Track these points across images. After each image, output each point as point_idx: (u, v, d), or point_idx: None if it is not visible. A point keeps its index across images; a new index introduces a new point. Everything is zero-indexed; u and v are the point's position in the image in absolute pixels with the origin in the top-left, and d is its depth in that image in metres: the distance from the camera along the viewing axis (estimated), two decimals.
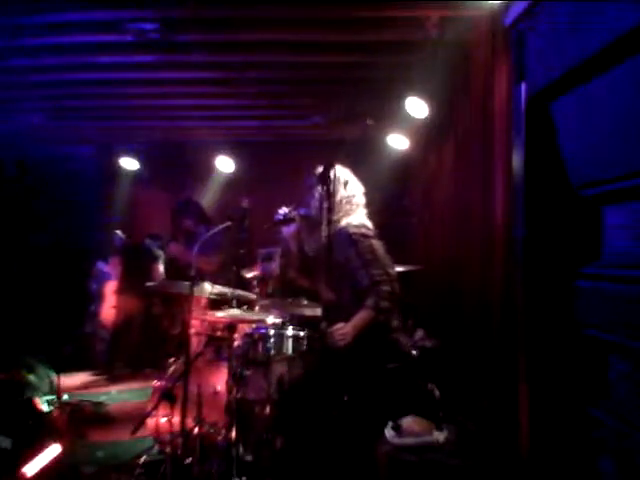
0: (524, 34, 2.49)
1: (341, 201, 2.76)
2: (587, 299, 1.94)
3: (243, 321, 3.01)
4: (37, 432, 2.88)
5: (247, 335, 2.82)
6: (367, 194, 2.95)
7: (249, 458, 2.66)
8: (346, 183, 2.81)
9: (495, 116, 2.96)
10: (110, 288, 5.66)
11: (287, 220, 2.88)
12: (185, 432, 2.63)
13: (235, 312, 2.89)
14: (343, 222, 2.75)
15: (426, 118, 3.87)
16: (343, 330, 2.52)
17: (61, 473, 2.72)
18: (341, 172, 2.80)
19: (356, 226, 2.74)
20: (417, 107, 3.79)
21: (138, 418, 2.68)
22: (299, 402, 2.63)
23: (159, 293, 5.07)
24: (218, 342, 3.00)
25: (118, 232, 5.48)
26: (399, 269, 3.81)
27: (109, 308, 5.62)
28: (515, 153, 2.60)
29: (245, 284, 3.99)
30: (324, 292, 2.76)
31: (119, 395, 4.57)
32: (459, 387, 3.22)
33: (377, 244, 2.74)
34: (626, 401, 1.73)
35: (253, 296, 3.39)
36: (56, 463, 2.70)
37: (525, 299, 2.49)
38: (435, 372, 3.21)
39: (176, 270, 4.29)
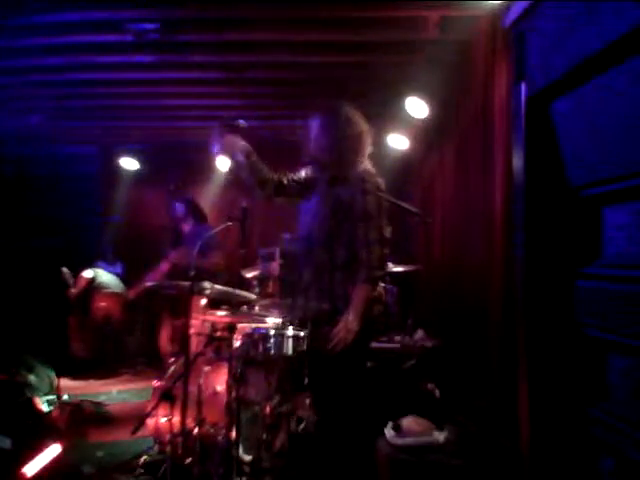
0: (524, 34, 2.49)
1: (356, 139, 2.58)
2: (587, 299, 1.94)
3: (243, 321, 3.01)
4: (37, 432, 2.87)
5: (247, 335, 2.82)
6: None
7: (249, 458, 2.66)
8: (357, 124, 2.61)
9: (495, 116, 2.97)
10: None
11: (234, 128, 2.69)
12: (185, 432, 2.63)
13: (235, 312, 2.89)
14: (360, 166, 2.58)
15: (426, 118, 3.87)
16: (348, 325, 2.37)
17: (61, 473, 2.72)
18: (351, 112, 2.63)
19: (373, 175, 2.59)
20: (417, 107, 3.79)
21: (138, 418, 2.67)
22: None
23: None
24: (218, 342, 2.99)
25: (65, 270, 5.48)
26: (399, 269, 3.84)
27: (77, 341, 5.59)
28: (515, 153, 2.59)
29: (245, 284, 4.00)
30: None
31: (119, 395, 4.57)
32: (459, 387, 3.22)
33: (384, 202, 2.60)
34: (626, 401, 1.73)
35: (253, 296, 3.39)
36: (56, 463, 2.70)
37: (525, 299, 2.49)
38: (435, 372, 3.21)
39: (178, 275, 4.29)
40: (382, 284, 2.73)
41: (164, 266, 4.60)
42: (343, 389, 2.42)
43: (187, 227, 4.67)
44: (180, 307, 4.08)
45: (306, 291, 2.65)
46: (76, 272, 5.56)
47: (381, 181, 2.60)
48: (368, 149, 2.63)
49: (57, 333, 5.18)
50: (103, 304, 5.59)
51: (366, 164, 2.64)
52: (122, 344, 5.63)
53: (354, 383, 2.46)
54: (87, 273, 5.60)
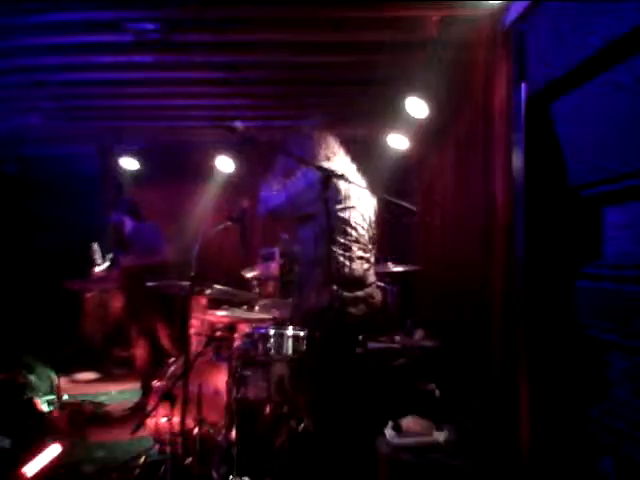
0: (524, 34, 2.49)
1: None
2: (587, 299, 1.94)
3: (243, 321, 3.01)
4: (37, 432, 2.88)
5: (247, 335, 2.82)
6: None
7: (249, 458, 2.66)
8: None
9: (495, 116, 2.96)
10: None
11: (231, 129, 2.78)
12: (185, 432, 2.63)
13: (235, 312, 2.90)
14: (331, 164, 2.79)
15: (426, 118, 3.87)
16: None
17: (61, 473, 2.72)
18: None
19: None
20: (417, 107, 3.79)
21: (138, 418, 2.67)
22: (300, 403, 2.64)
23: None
24: (218, 342, 3.00)
25: (95, 247, 5.42)
26: (399, 269, 3.84)
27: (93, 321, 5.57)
28: (515, 153, 2.60)
29: (245, 284, 4.00)
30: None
31: (119, 395, 4.57)
32: (459, 387, 3.22)
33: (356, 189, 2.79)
34: (626, 401, 1.73)
35: (253, 296, 3.39)
36: (56, 463, 2.70)
37: (525, 299, 2.49)
38: (435, 372, 3.21)
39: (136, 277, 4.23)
40: (379, 283, 2.78)
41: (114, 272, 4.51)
42: (334, 387, 2.44)
43: (127, 228, 4.61)
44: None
45: (303, 289, 2.72)
46: (76, 271, 5.54)
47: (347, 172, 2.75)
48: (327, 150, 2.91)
49: (57, 333, 5.17)
50: (119, 305, 5.56)
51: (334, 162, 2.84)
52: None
53: (343, 380, 2.48)
54: (101, 267, 5.53)
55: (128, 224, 4.46)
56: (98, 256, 5.41)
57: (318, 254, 2.65)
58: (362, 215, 2.85)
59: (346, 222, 2.75)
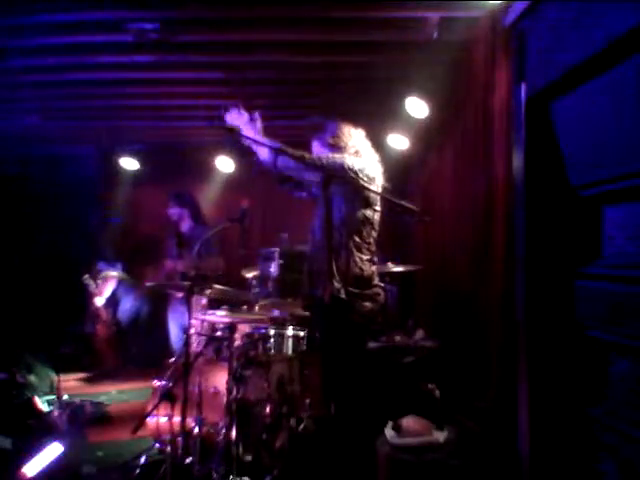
0: (524, 34, 2.50)
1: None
2: (587, 299, 1.94)
3: (243, 321, 3.01)
4: (37, 432, 2.88)
5: (247, 335, 2.82)
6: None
7: (249, 458, 2.66)
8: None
9: (495, 116, 2.96)
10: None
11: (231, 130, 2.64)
12: (185, 432, 2.63)
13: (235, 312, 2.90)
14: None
15: (426, 118, 3.87)
16: None
17: (61, 473, 2.72)
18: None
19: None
20: (417, 107, 3.79)
21: (138, 418, 2.68)
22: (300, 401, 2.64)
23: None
24: (218, 342, 3.00)
25: (86, 277, 5.40)
26: (399, 269, 3.84)
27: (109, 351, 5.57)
28: (515, 153, 2.60)
29: (245, 284, 4.00)
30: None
31: (119, 395, 4.57)
32: (459, 387, 3.22)
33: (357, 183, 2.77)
34: (626, 401, 1.73)
35: (253, 296, 3.39)
36: (56, 463, 2.70)
37: (525, 299, 2.49)
38: (435, 372, 3.21)
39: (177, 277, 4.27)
40: (381, 284, 2.78)
41: (169, 265, 4.53)
42: (335, 386, 2.43)
43: (185, 228, 4.61)
44: None
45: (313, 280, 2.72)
46: (76, 272, 5.53)
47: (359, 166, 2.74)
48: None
49: (56, 333, 5.17)
50: (128, 305, 5.55)
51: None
52: (153, 343, 5.55)
53: (344, 380, 2.48)
54: (112, 272, 5.48)
55: (187, 222, 4.45)
56: (92, 286, 5.40)
57: (323, 247, 2.63)
58: (374, 216, 2.83)
59: (365, 222, 2.73)
